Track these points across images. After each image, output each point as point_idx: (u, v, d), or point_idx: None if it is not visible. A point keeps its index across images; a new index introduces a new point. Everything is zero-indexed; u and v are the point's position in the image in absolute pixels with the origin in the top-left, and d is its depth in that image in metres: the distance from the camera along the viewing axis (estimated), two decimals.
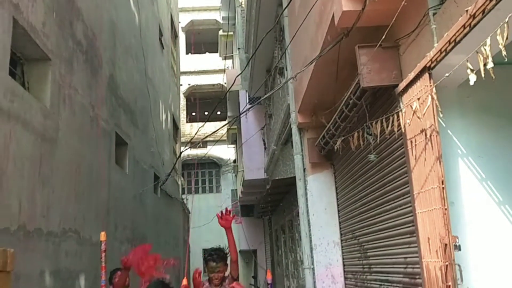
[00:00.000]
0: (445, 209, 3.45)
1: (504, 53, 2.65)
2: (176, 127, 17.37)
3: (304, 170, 7.72)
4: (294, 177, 8.01)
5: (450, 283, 3.39)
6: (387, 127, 4.20)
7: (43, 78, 5.10)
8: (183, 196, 19.55)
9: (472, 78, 2.83)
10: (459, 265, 3.44)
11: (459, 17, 3.15)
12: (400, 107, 4.13)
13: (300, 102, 7.27)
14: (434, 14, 3.68)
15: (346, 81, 5.51)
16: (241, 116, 12.35)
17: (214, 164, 24.96)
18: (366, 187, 5.58)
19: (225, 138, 21.02)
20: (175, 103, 17.27)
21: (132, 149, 9.08)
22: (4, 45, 4.12)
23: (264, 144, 14.46)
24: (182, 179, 21.58)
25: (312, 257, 7.37)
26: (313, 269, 7.32)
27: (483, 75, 2.81)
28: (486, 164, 3.93)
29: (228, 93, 17.85)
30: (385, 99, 4.66)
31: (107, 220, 7.13)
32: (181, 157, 20.30)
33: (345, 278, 6.94)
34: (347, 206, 6.67)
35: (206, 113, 29.21)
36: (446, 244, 3.42)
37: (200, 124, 27.81)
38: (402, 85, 4.13)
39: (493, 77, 2.76)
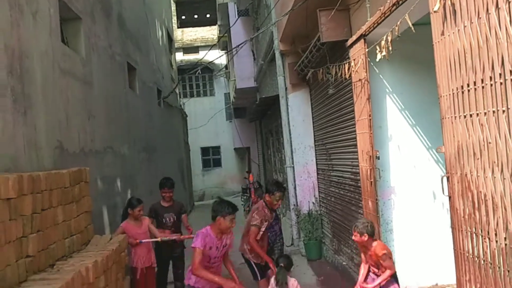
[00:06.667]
0: (371, 133, 5.23)
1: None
2: (170, 39, 18.47)
3: (285, 89, 9.38)
4: (278, 94, 9.69)
5: (372, 180, 5.29)
6: (339, 71, 5.83)
7: (77, 34, 6.50)
8: (181, 102, 21.14)
9: (378, 56, 4.43)
10: (378, 169, 5.31)
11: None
12: (348, 57, 5.73)
13: (281, 32, 8.71)
14: None
15: (316, 24, 6.94)
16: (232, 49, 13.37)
17: (206, 69, 26.14)
18: (330, 109, 7.32)
19: (215, 43, 21.92)
20: (167, 16, 18.19)
21: (140, 72, 10.57)
22: (56, 21, 5.53)
23: (254, 54, 15.75)
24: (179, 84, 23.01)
25: (292, 158, 9.33)
26: (293, 167, 9.32)
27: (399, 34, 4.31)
28: (405, 98, 5.65)
29: (217, 5, 18.68)
30: (340, 47, 6.18)
31: (128, 136, 8.90)
32: (176, 62, 21.56)
33: (317, 173, 8.97)
34: (319, 120, 8.46)
35: (196, 16, 29.77)
36: (370, 156, 5.27)
37: (191, 29, 28.26)
38: (349, 42, 5.69)
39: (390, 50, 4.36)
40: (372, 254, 4.42)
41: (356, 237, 4.39)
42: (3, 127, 4.04)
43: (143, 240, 5.80)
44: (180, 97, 22.14)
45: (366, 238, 4.32)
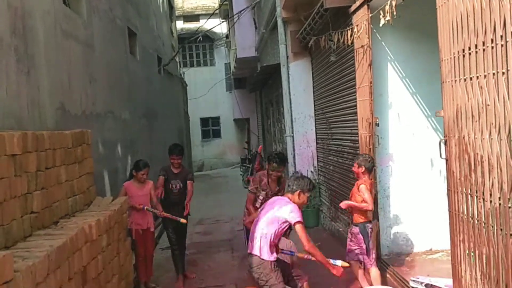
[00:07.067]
0: (371, 100, 5.26)
1: None
2: (171, 6, 18.25)
3: (287, 57, 9.34)
4: (279, 63, 9.66)
5: (371, 147, 5.35)
6: (342, 38, 5.82)
7: None
8: (180, 71, 21.03)
9: (382, 21, 4.42)
10: (377, 136, 5.36)
11: None
12: (351, 24, 5.70)
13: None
14: None
15: None
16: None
17: (207, 38, 25.90)
18: (331, 77, 7.32)
19: (217, 12, 21.60)
20: None
21: (140, 38, 10.50)
22: None
23: (255, 23, 15.58)
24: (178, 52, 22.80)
25: (292, 127, 9.37)
26: (293, 136, 9.38)
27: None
28: (406, 66, 5.66)
29: None
30: (343, 13, 6.14)
31: (129, 101, 8.92)
32: (176, 30, 21.32)
33: (316, 143, 9.04)
34: (319, 89, 8.46)
35: None
36: (370, 123, 5.31)
37: None
38: (352, 8, 5.65)
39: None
40: (356, 187, 4.78)
41: (354, 167, 4.83)
42: (7, 86, 4.07)
43: (145, 207, 5.85)
44: (180, 66, 22.01)
45: (362, 170, 4.73)
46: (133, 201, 5.78)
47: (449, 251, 5.54)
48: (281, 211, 3.96)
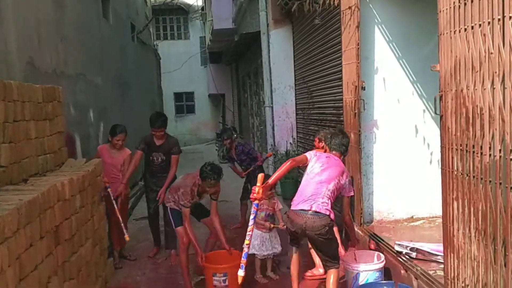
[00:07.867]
0: (358, 63, 5.10)
1: None
2: None
3: (267, 25, 9.08)
4: (259, 31, 9.39)
5: (356, 111, 5.22)
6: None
7: None
8: (154, 43, 20.40)
9: None
10: (363, 100, 5.22)
11: None
12: None
13: None
14: None
15: None
16: None
17: (181, 10, 25.20)
18: (314, 43, 7.12)
19: None
20: None
21: (113, 2, 10.02)
22: None
23: None
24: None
25: (272, 98, 9.19)
26: (272, 107, 9.20)
27: None
28: (393, 30, 5.50)
29: None
30: None
31: (102, 66, 8.52)
32: (150, 2, 20.63)
33: (296, 114, 8.89)
34: (301, 57, 8.26)
35: None
36: (356, 86, 5.16)
37: None
38: None
39: None
40: None
41: (315, 142, 4.90)
42: None
43: (109, 189, 5.41)
44: (153, 39, 21.32)
45: (322, 145, 4.75)
46: (103, 168, 5.41)
47: (430, 219, 5.57)
48: (345, 181, 4.08)
